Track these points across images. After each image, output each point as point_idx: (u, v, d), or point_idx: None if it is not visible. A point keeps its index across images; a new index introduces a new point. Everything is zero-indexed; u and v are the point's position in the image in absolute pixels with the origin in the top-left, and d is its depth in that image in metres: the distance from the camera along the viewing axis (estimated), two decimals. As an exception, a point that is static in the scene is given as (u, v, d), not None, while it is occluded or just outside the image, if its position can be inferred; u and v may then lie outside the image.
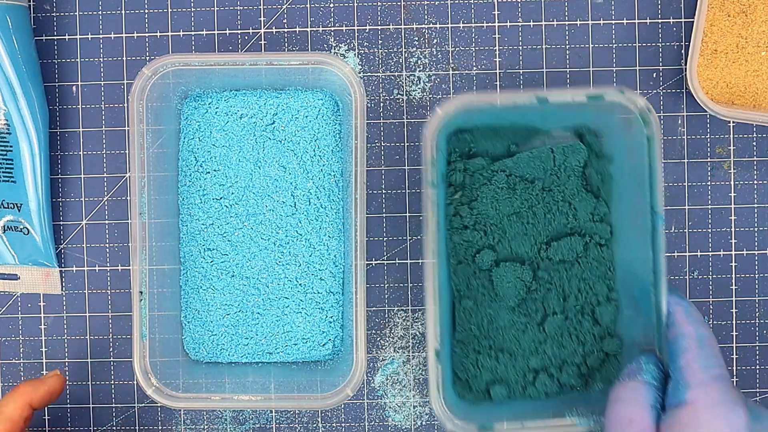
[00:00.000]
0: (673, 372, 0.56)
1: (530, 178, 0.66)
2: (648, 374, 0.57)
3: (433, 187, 0.61)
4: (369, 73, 0.69)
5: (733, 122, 0.69)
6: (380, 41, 0.69)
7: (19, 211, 0.67)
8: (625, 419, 0.56)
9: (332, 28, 0.69)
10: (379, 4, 0.69)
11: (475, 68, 0.69)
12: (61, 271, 0.70)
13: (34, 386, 0.63)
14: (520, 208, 0.66)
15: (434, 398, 0.62)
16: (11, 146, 0.66)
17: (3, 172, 0.67)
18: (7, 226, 0.68)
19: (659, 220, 0.61)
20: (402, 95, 0.69)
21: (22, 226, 0.68)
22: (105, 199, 0.69)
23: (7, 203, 0.67)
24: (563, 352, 0.67)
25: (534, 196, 0.66)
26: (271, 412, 0.70)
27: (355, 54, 0.69)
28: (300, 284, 0.67)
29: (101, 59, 0.69)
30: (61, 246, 0.69)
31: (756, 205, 0.69)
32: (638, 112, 0.61)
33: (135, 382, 0.70)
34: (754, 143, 0.69)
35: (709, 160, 0.69)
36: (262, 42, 0.69)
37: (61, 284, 0.70)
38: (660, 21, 0.69)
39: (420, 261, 0.70)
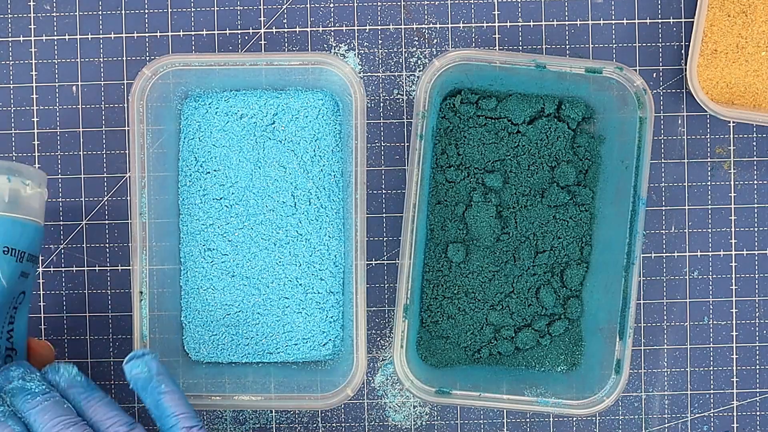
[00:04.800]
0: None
1: (516, 121, 0.67)
2: None
3: (421, 139, 0.62)
4: (369, 73, 0.69)
5: (733, 122, 0.69)
6: (380, 41, 0.69)
7: None
8: None
9: (332, 28, 0.69)
10: (379, 4, 0.69)
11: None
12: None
13: None
14: (505, 155, 0.67)
15: (396, 355, 0.63)
16: None
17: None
18: None
19: (641, 203, 0.62)
20: (402, 95, 0.69)
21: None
22: (105, 199, 0.69)
23: None
24: (526, 312, 0.68)
25: (521, 146, 0.67)
26: (272, 412, 0.70)
27: (355, 54, 0.69)
28: (300, 284, 0.67)
29: (101, 59, 0.69)
30: (61, 246, 0.69)
31: (756, 205, 0.69)
32: (634, 92, 0.63)
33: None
34: (754, 143, 0.69)
35: (709, 160, 0.69)
36: (262, 42, 0.69)
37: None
38: (660, 21, 0.69)
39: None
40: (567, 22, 0.69)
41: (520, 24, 0.69)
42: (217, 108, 0.67)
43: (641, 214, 0.63)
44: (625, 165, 0.64)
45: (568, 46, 0.69)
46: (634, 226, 0.63)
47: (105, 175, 0.69)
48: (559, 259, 0.68)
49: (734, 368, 0.70)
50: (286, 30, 0.69)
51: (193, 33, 0.69)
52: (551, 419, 0.70)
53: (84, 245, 0.70)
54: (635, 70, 0.68)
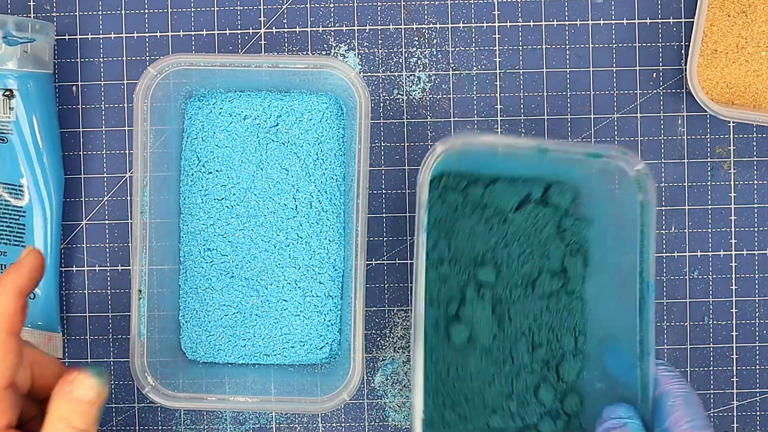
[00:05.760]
0: (660, 430, 0.56)
1: (504, 209, 0.65)
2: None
3: (426, 232, 0.58)
4: (369, 73, 0.69)
5: (733, 122, 0.69)
6: (380, 41, 0.69)
7: None
8: None
9: (332, 28, 0.69)
10: (379, 4, 0.69)
11: (475, 68, 0.69)
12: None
13: (14, 272, 0.55)
14: (495, 245, 0.65)
15: None
16: (24, 212, 0.66)
17: (14, 236, 0.67)
18: None
19: (649, 290, 0.58)
20: (402, 95, 0.69)
21: None
22: (105, 199, 0.69)
23: None
24: (525, 411, 0.66)
25: (510, 234, 0.65)
26: (271, 412, 0.70)
27: (355, 54, 0.69)
28: (299, 287, 0.67)
29: (101, 59, 0.69)
30: (62, 246, 0.69)
31: (756, 205, 0.69)
32: (635, 176, 0.59)
33: (135, 382, 0.70)
34: (754, 143, 0.69)
35: (709, 160, 0.69)
36: (262, 42, 0.69)
37: (64, 350, 0.70)
38: (660, 21, 0.69)
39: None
40: (567, 22, 0.69)
41: (520, 24, 0.69)
42: (221, 108, 0.67)
43: (651, 301, 0.58)
44: (626, 251, 0.60)
45: (567, 46, 0.69)
46: (645, 313, 0.58)
47: (105, 175, 0.69)
48: (554, 352, 0.66)
49: (734, 368, 0.70)
50: (286, 30, 0.69)
51: (193, 33, 0.69)
52: None
53: (84, 245, 0.70)
54: (635, 71, 0.68)
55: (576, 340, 0.66)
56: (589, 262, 0.66)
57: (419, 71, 0.69)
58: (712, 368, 0.70)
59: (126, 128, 0.69)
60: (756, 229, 0.69)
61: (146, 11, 0.69)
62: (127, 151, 0.69)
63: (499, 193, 0.65)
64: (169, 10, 0.69)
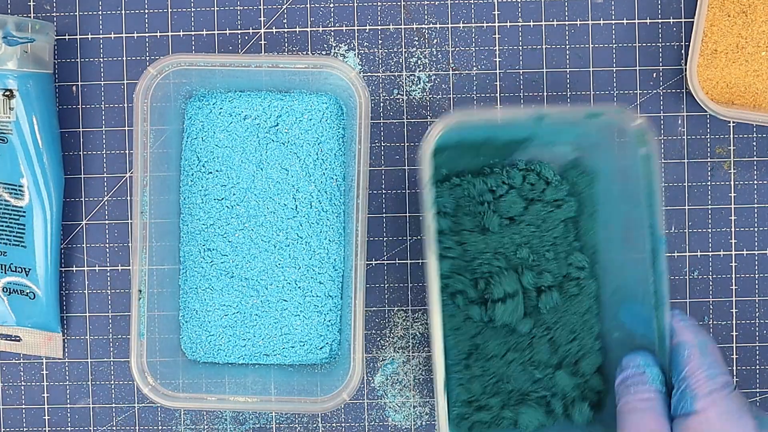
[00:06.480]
0: (677, 381, 0.56)
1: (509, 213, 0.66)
2: (656, 381, 0.57)
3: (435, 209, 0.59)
4: (369, 73, 0.69)
5: (733, 122, 0.69)
6: (380, 41, 0.69)
7: (27, 275, 0.67)
8: (645, 431, 0.56)
9: (332, 28, 0.69)
10: (379, 4, 0.69)
11: (475, 68, 0.69)
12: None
13: None
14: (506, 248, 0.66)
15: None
16: (24, 212, 0.66)
17: (14, 236, 0.67)
18: (13, 290, 0.68)
19: (660, 242, 0.59)
20: (402, 95, 0.69)
21: (29, 290, 0.68)
22: (105, 199, 0.69)
23: (16, 267, 0.67)
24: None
25: (520, 232, 0.66)
26: (271, 412, 0.70)
27: (355, 54, 0.69)
28: (299, 287, 0.67)
29: (101, 59, 0.69)
30: (62, 246, 0.69)
31: (756, 205, 0.69)
32: (635, 131, 0.59)
33: (135, 382, 0.70)
34: (754, 143, 0.69)
35: (709, 160, 0.69)
36: (262, 42, 0.69)
37: (64, 350, 0.70)
38: (660, 21, 0.69)
39: (420, 261, 0.70)
40: (567, 22, 0.69)
41: (520, 24, 0.69)
42: (221, 108, 0.67)
43: (662, 253, 0.58)
44: (634, 205, 0.60)
45: (567, 47, 0.69)
46: (657, 265, 0.59)
47: (105, 175, 0.69)
48: (573, 349, 0.66)
49: (734, 368, 0.70)
50: (286, 30, 0.69)
51: (193, 33, 0.69)
52: None
53: (84, 245, 0.70)
54: (635, 71, 0.68)
55: (593, 336, 0.66)
56: (598, 217, 0.66)
57: (419, 71, 0.69)
58: (712, 368, 0.70)
59: (126, 128, 0.69)
60: (756, 229, 0.69)
61: (146, 11, 0.69)
62: (127, 151, 0.69)
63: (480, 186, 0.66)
64: (169, 10, 0.69)
